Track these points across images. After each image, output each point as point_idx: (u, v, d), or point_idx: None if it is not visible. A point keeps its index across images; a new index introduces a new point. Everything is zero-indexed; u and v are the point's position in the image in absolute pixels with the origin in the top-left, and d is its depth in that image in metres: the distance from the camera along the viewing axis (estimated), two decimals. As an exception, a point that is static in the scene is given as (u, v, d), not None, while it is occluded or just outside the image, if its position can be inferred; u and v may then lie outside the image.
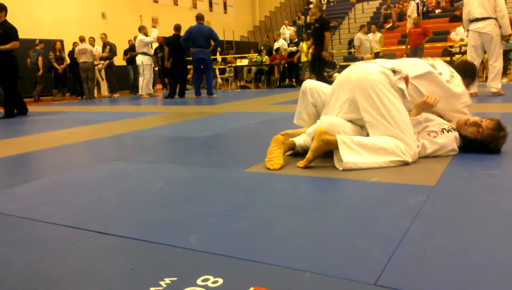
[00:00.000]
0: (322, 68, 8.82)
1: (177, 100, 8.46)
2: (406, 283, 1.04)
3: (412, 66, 2.41)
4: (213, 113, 5.57)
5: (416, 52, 9.31)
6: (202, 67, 8.66)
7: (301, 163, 2.26)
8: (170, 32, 9.26)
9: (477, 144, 2.35)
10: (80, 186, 2.17)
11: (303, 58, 11.67)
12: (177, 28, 9.08)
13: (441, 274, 1.07)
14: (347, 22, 17.73)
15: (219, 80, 12.85)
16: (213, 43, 8.68)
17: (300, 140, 2.50)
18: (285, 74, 12.04)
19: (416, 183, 1.90)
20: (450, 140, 2.33)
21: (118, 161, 2.73)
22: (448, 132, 2.34)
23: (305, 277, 1.09)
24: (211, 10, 18.81)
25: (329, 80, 11.18)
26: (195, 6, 17.98)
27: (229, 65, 13.08)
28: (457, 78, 2.49)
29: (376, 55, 12.15)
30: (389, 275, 1.08)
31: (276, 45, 12.00)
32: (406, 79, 2.30)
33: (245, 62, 12.52)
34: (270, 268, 1.15)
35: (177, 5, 17.32)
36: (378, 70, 2.27)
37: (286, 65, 11.75)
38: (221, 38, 14.11)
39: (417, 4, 14.63)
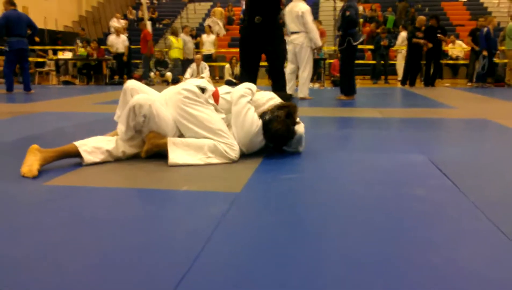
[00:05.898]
0: None
1: (-18, 96, 7.29)
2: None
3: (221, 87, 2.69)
4: (26, 112, 4.94)
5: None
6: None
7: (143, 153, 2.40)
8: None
9: (271, 115, 2.49)
10: None
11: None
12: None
13: (228, 281, 1.11)
14: (179, 21, 17.73)
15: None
16: (30, 32, 7.81)
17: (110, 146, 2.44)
18: (115, 70, 11.47)
19: (223, 190, 1.97)
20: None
21: None
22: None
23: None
24: (28, -6, 16.64)
25: (161, 79, 11.05)
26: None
27: (49, 57, 11.85)
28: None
29: (209, 57, 12.50)
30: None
31: (111, 39, 11.29)
32: (215, 94, 2.56)
33: (68, 55, 11.47)
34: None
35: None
36: (179, 90, 2.46)
37: (114, 61, 11.20)
38: (40, 26, 12.67)
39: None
